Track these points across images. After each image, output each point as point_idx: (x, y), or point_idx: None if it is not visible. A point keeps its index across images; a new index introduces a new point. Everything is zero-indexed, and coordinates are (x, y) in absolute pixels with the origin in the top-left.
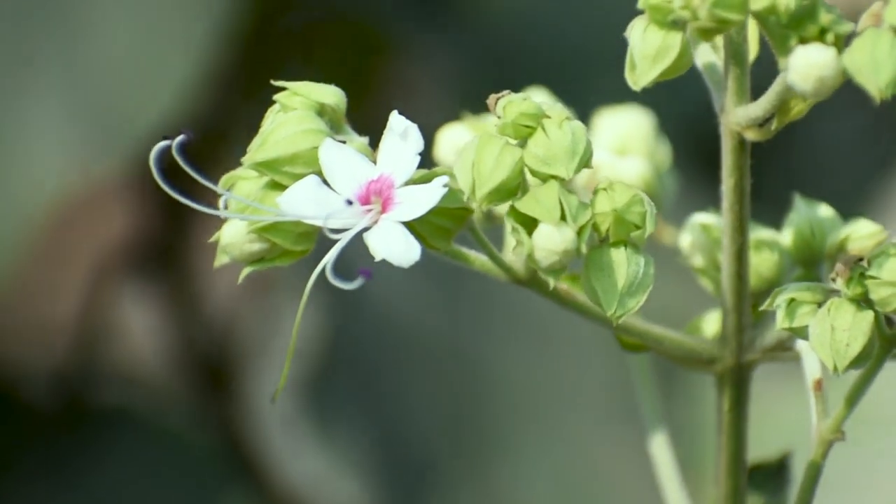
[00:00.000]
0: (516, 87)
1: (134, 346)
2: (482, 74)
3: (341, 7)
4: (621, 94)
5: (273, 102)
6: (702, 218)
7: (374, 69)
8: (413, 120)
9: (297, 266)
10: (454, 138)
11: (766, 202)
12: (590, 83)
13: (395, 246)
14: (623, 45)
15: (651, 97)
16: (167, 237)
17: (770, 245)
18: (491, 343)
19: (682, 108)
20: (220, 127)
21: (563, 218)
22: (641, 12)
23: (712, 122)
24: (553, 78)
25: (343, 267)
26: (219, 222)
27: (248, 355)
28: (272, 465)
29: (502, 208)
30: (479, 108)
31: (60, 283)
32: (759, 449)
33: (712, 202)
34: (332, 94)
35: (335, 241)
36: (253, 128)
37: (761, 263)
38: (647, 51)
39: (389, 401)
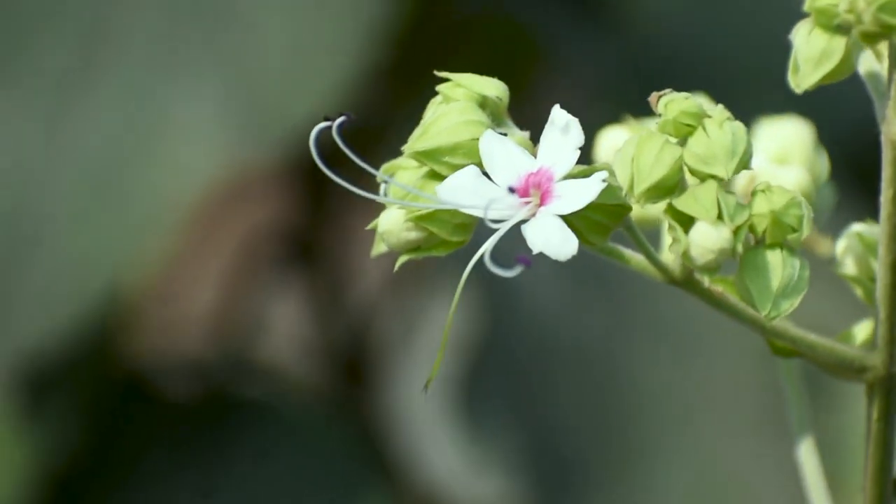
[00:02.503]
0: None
1: (277, 338)
2: (631, 81)
3: (494, 6)
4: (772, 105)
5: (425, 99)
6: (858, 228)
7: (523, 70)
8: None
9: (441, 262)
10: (614, 141)
11: None
12: (739, 95)
13: (552, 238)
14: (774, 59)
15: (805, 110)
16: (311, 230)
17: None
18: (639, 348)
19: (839, 122)
20: (372, 123)
21: (720, 217)
22: (792, 23)
23: (869, 137)
24: (698, 84)
25: (498, 258)
26: (364, 214)
27: (391, 350)
28: (415, 461)
29: (657, 207)
30: (623, 112)
31: (205, 274)
32: None
33: (863, 214)
34: (494, 87)
35: (487, 237)
36: (405, 125)
37: None
38: (811, 54)
39: (537, 400)
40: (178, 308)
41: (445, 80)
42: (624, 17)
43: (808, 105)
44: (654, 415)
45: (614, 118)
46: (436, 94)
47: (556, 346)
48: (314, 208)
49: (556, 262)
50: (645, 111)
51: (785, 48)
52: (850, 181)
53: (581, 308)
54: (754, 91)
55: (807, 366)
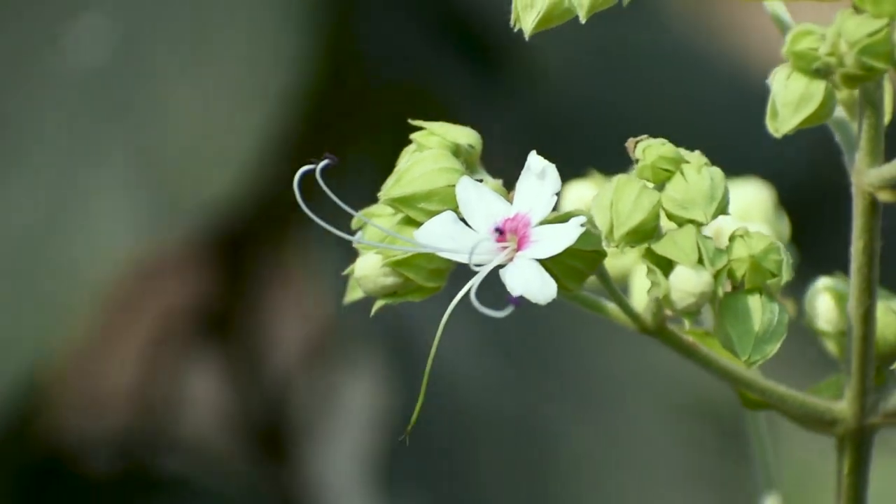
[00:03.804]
0: (573, 158)
1: (196, 413)
2: (535, 142)
3: (399, 75)
4: None
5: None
6: (827, 282)
7: None
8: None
9: (357, 333)
10: (580, 195)
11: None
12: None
13: (532, 282)
14: (682, 114)
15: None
16: (227, 305)
17: None
18: (561, 419)
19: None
20: (282, 198)
21: (700, 261)
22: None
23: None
24: (605, 147)
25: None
26: (280, 288)
27: (310, 422)
28: None
29: (626, 261)
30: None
31: (123, 352)
32: None
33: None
34: (467, 135)
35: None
36: (318, 197)
37: (886, 328)
38: (790, 98)
39: (456, 477)
40: (97, 385)
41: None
42: (528, 80)
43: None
44: (578, 480)
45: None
46: (345, 166)
47: (475, 418)
48: (230, 283)
49: (472, 331)
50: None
51: (689, 104)
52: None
53: (499, 378)
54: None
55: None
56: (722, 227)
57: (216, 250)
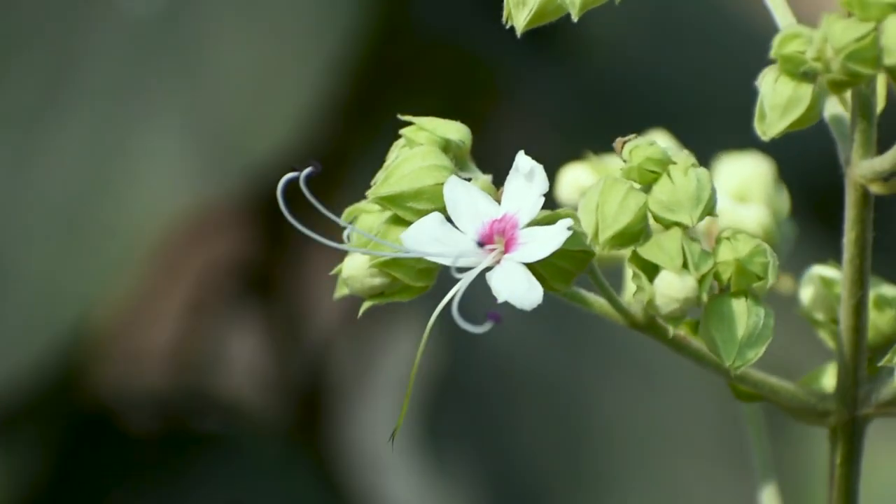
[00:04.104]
0: (617, 128)
1: (236, 373)
2: (584, 113)
3: (450, 40)
4: (727, 138)
5: (384, 133)
6: (821, 270)
7: (480, 103)
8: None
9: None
10: (576, 178)
11: (887, 255)
12: (692, 124)
13: (517, 287)
14: (727, 90)
15: (761, 143)
16: (270, 265)
17: (889, 300)
18: (602, 384)
19: (797, 154)
20: (333, 158)
21: (685, 266)
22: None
23: (827, 171)
24: (655, 117)
25: (462, 304)
26: (324, 253)
27: (349, 384)
28: (376, 495)
29: (623, 252)
30: (581, 146)
31: (165, 309)
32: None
33: (823, 250)
34: (457, 131)
35: (451, 279)
36: (364, 159)
37: (879, 318)
38: (778, 101)
39: (499, 433)
40: (140, 342)
41: (414, 110)
42: (578, 49)
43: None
44: (616, 446)
45: (570, 150)
46: (395, 128)
47: (516, 379)
48: (273, 244)
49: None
50: (600, 144)
51: (738, 79)
52: (810, 216)
53: (542, 340)
54: (708, 121)
55: (767, 403)
56: (718, 210)
57: (262, 210)
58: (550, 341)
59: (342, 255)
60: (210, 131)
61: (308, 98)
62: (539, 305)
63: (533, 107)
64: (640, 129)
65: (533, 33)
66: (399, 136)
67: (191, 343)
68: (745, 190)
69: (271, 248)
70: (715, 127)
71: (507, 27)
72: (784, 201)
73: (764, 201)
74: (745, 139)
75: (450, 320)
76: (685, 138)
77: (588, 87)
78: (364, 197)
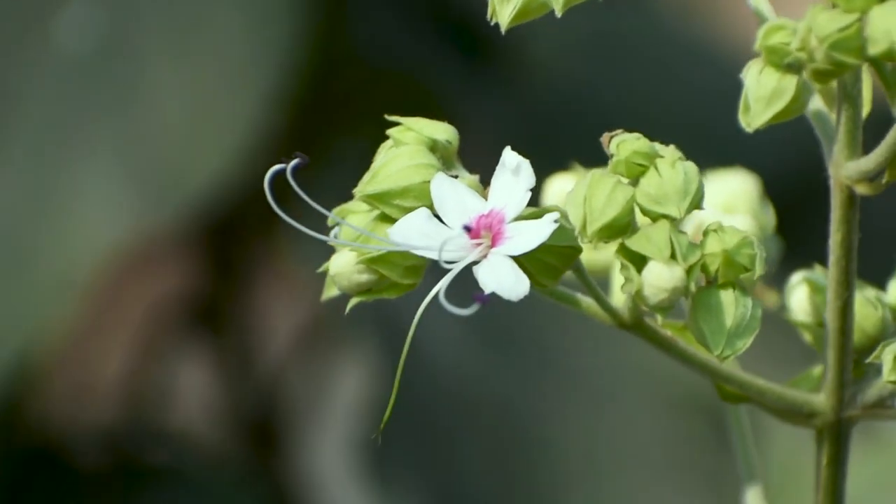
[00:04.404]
0: (560, 147)
1: (186, 404)
2: (527, 133)
3: (390, 66)
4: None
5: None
6: (807, 273)
7: None
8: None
9: (346, 324)
10: (562, 189)
11: (871, 258)
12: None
13: (505, 279)
14: (673, 107)
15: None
16: (216, 296)
17: (874, 302)
18: (545, 405)
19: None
20: (274, 186)
21: (673, 256)
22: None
23: (792, 187)
24: (597, 137)
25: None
26: (270, 278)
27: (300, 413)
28: None
29: (606, 255)
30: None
31: (112, 341)
32: None
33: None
34: (444, 131)
35: (431, 282)
36: (307, 186)
37: (865, 320)
38: (762, 93)
39: (445, 460)
40: (86, 375)
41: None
42: (521, 70)
43: (712, 154)
44: (564, 470)
45: None
46: (338, 156)
47: (463, 404)
48: (220, 275)
49: (460, 318)
50: (545, 163)
51: (681, 96)
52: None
53: (488, 362)
54: (652, 138)
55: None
56: (704, 221)
57: (206, 240)
58: (497, 362)
59: (292, 281)
60: (148, 164)
61: (245, 129)
62: (484, 327)
63: (477, 129)
64: (583, 146)
65: (475, 55)
66: (340, 160)
67: (139, 376)
68: (731, 206)
69: (218, 279)
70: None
71: (450, 48)
72: (770, 217)
73: (749, 217)
74: (692, 156)
75: (394, 346)
76: None
77: (531, 107)
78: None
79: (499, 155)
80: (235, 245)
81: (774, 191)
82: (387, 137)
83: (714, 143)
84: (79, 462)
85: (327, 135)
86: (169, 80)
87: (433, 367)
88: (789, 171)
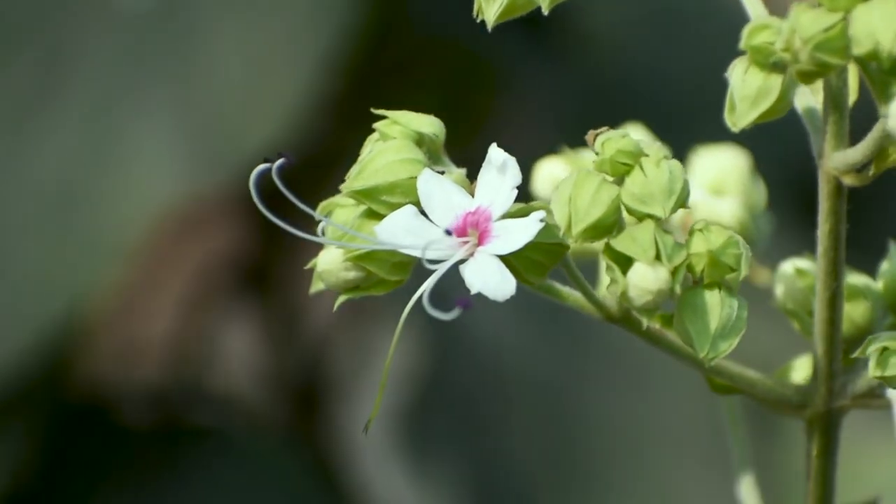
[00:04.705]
0: (616, 123)
1: (231, 366)
2: (583, 108)
3: (448, 36)
4: (720, 132)
5: (373, 131)
6: (796, 263)
7: (476, 99)
8: (512, 153)
9: (394, 293)
10: (551, 172)
11: (860, 248)
12: (690, 120)
13: (490, 279)
14: (724, 84)
15: (750, 138)
16: (265, 260)
17: (863, 292)
18: (588, 380)
19: (778, 149)
20: (324, 154)
21: (658, 257)
22: (743, 52)
23: (808, 164)
24: (653, 113)
25: (439, 297)
26: (317, 247)
27: (343, 380)
28: (367, 490)
29: (597, 245)
30: (580, 142)
31: (159, 302)
32: (847, 495)
33: (805, 245)
34: (430, 125)
35: (430, 272)
36: (356, 157)
37: (854, 310)
38: (747, 92)
39: (485, 435)
40: (134, 334)
41: (409, 106)
42: (576, 45)
43: (758, 130)
44: (605, 447)
45: (568, 145)
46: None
47: (504, 378)
48: (268, 237)
49: (511, 299)
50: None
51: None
52: (792, 207)
53: (529, 339)
54: (705, 117)
55: (747, 399)
56: (694, 203)
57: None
58: (539, 340)
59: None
60: (202, 126)
61: (300, 94)
62: (528, 303)
63: (532, 102)
64: (640, 120)
65: (530, 28)
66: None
67: (186, 336)
68: (721, 183)
69: (267, 243)
70: (712, 123)
71: (508, 20)
72: (761, 194)
73: (740, 194)
74: (739, 135)
75: (438, 320)
76: (682, 134)
77: (586, 82)
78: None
79: (553, 128)
80: (284, 208)
81: (804, 167)
82: (444, 108)
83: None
84: (125, 420)
85: (383, 102)
86: (226, 42)
87: (473, 343)
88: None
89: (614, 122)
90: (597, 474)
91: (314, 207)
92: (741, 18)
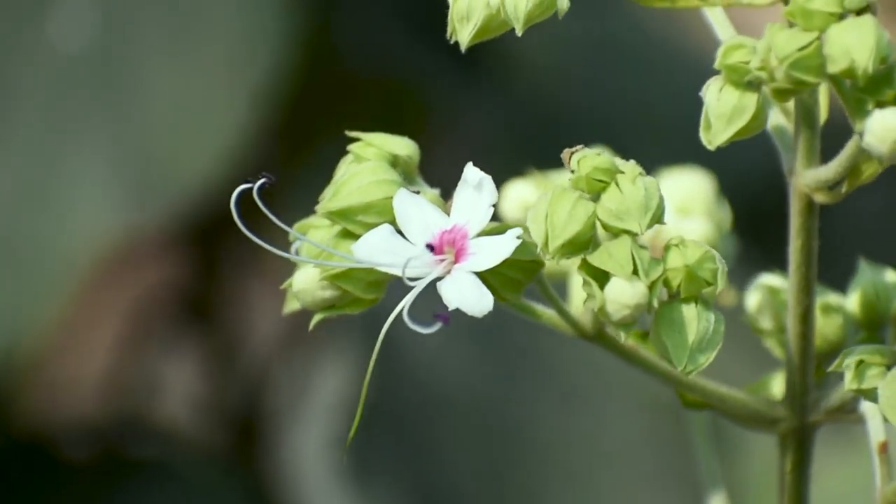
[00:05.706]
0: (554, 151)
1: (171, 399)
2: (520, 137)
3: (379, 69)
4: (660, 158)
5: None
6: (767, 279)
7: (412, 129)
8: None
9: (332, 323)
10: (519, 195)
11: (829, 264)
12: (628, 146)
13: (468, 295)
14: (660, 110)
15: (693, 161)
16: (204, 292)
17: (835, 307)
18: (528, 400)
19: (733, 172)
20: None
21: (635, 272)
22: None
23: (764, 188)
24: (591, 140)
25: (414, 314)
26: (259, 278)
27: (283, 410)
28: None
29: (568, 265)
30: (516, 171)
31: (99, 336)
32: None
33: (761, 269)
34: (405, 146)
35: (398, 294)
36: (296, 185)
37: (826, 325)
38: (723, 110)
39: (426, 458)
40: (72, 368)
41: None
42: (510, 72)
43: (694, 157)
44: (546, 467)
45: (504, 173)
46: (327, 154)
47: (443, 399)
48: (207, 271)
49: (450, 323)
50: (535, 165)
51: (668, 100)
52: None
53: (468, 360)
54: (641, 141)
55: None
56: (662, 226)
57: (194, 235)
58: (478, 361)
59: (279, 278)
60: (139, 161)
61: (235, 128)
62: (467, 325)
63: (466, 130)
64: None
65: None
66: (328, 162)
67: (125, 369)
68: (686, 204)
69: (206, 275)
70: (648, 147)
71: (438, 51)
72: (726, 216)
73: (705, 215)
74: (677, 159)
75: (374, 344)
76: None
77: (521, 109)
78: (304, 216)
79: (485, 157)
80: (222, 242)
81: (762, 191)
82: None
83: (700, 147)
84: (64, 454)
85: (314, 137)
86: (161, 78)
87: (414, 367)
88: (777, 171)
89: (550, 148)
90: (538, 494)
91: (251, 248)
92: (666, 46)
